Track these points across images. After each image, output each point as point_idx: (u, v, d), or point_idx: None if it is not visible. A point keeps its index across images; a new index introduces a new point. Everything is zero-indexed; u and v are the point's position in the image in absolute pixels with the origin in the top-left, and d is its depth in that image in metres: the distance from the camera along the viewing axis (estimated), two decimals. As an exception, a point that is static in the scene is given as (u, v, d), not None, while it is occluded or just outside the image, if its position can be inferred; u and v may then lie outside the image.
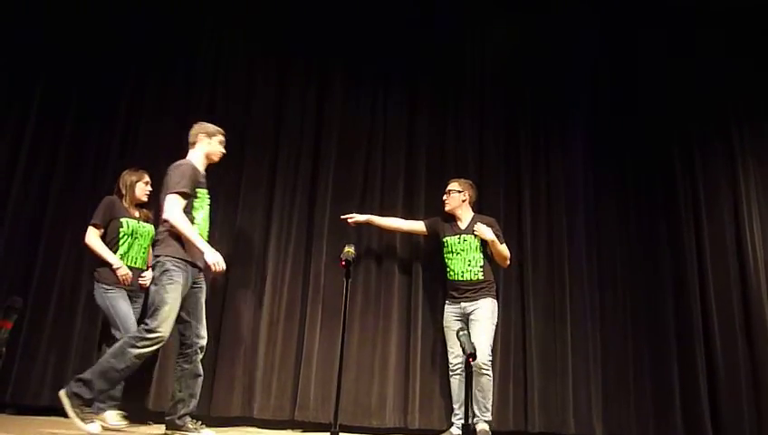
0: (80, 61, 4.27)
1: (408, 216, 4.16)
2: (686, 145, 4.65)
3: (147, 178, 3.72)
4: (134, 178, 3.67)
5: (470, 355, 3.53)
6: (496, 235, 3.77)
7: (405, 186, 4.29)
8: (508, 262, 3.88)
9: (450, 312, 3.79)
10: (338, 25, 4.50)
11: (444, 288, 3.97)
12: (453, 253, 3.82)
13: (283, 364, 3.88)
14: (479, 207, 4.10)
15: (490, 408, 3.61)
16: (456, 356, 3.67)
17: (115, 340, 3.24)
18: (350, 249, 3.21)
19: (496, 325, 3.76)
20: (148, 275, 3.63)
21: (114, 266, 3.47)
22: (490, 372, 3.60)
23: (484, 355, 3.51)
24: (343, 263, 3.12)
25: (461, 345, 3.66)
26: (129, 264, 3.54)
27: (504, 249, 3.80)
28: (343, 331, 3.04)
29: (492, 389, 3.63)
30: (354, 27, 4.52)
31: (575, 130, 4.59)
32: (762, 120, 4.66)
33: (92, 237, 3.52)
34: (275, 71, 4.39)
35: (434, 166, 4.36)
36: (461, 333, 3.71)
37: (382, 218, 4.01)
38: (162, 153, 4.17)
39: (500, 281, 4.13)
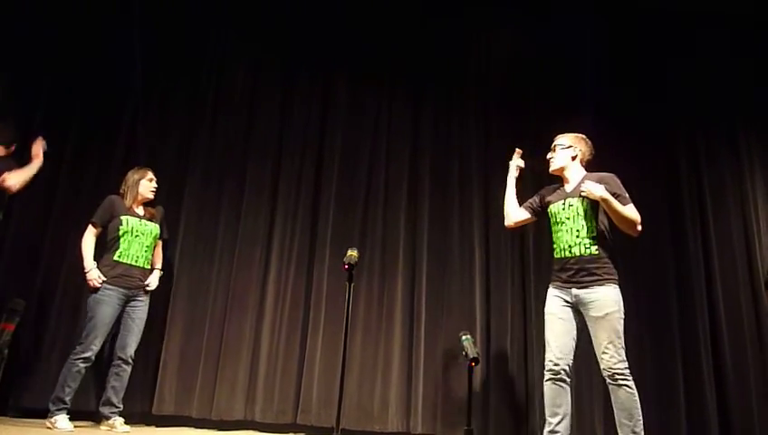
0: (84, 68, 4.30)
1: (411, 222, 4.19)
2: (691, 144, 4.58)
3: (150, 175, 3.73)
4: (137, 177, 3.68)
5: (473, 360, 3.49)
6: (613, 194, 2.88)
7: (408, 191, 4.28)
8: (639, 227, 2.92)
9: (555, 296, 2.98)
10: (342, 32, 4.52)
11: (450, 292, 3.96)
12: (558, 223, 3.06)
13: (286, 368, 3.88)
14: (486, 202, 4.08)
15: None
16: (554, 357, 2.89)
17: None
18: (352, 253, 3.20)
19: (489, 330, 3.71)
20: (154, 277, 3.65)
21: (85, 269, 3.45)
22: (630, 383, 2.77)
23: (616, 361, 2.76)
24: (346, 266, 3.11)
25: (463, 350, 3.61)
26: (129, 262, 3.53)
27: (626, 210, 2.88)
28: (346, 335, 3.03)
29: (638, 406, 2.76)
30: (358, 33, 4.54)
31: (579, 130, 4.55)
32: (768, 119, 4.61)
33: (85, 236, 3.55)
34: (280, 79, 4.42)
35: (438, 170, 4.35)
36: (464, 337, 3.67)
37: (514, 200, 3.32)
38: (167, 157, 4.21)
39: (500, 283, 4.13)
